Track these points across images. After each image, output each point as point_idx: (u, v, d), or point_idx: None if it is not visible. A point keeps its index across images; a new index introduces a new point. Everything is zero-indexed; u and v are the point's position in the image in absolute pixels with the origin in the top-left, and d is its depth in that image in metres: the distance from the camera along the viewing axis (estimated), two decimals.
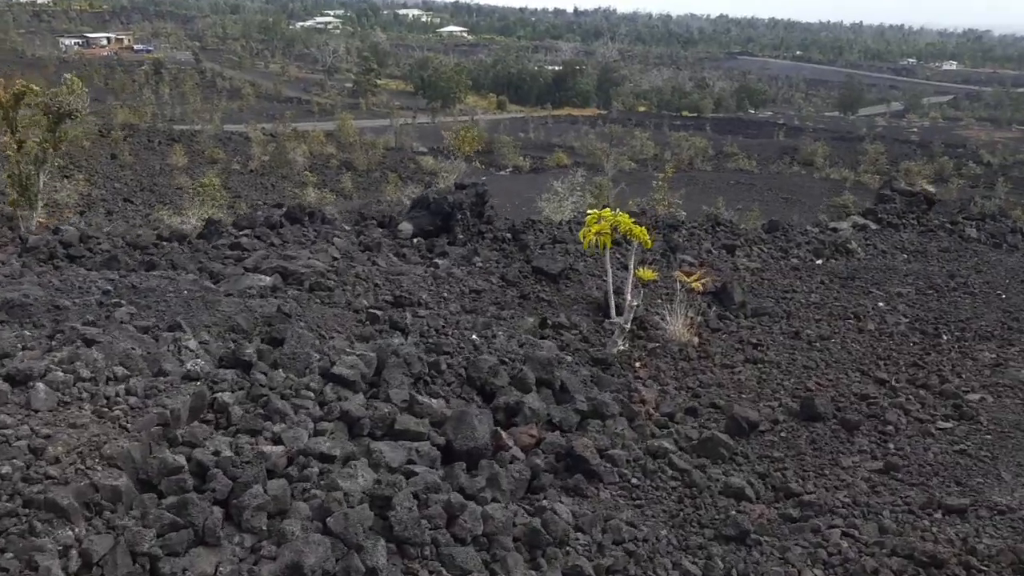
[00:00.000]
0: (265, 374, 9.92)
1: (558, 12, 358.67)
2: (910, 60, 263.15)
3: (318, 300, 14.18)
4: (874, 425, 12.64)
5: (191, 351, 10.09)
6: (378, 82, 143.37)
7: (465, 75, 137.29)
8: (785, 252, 24.74)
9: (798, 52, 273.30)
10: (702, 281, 18.57)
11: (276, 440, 8.56)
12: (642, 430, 12.06)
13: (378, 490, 8.11)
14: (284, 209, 21.33)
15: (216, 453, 7.91)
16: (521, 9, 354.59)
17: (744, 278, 21.21)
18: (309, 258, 16.80)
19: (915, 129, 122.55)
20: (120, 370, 9.01)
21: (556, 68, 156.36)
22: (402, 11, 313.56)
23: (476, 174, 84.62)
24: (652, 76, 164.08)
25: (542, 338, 15.30)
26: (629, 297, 15.37)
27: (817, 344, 16.64)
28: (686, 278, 18.50)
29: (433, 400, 10.28)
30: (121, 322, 11.24)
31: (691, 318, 17.27)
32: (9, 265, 14.60)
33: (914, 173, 66.49)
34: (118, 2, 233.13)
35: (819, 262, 23.74)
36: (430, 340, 12.61)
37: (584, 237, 15.41)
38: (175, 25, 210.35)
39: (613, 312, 15.69)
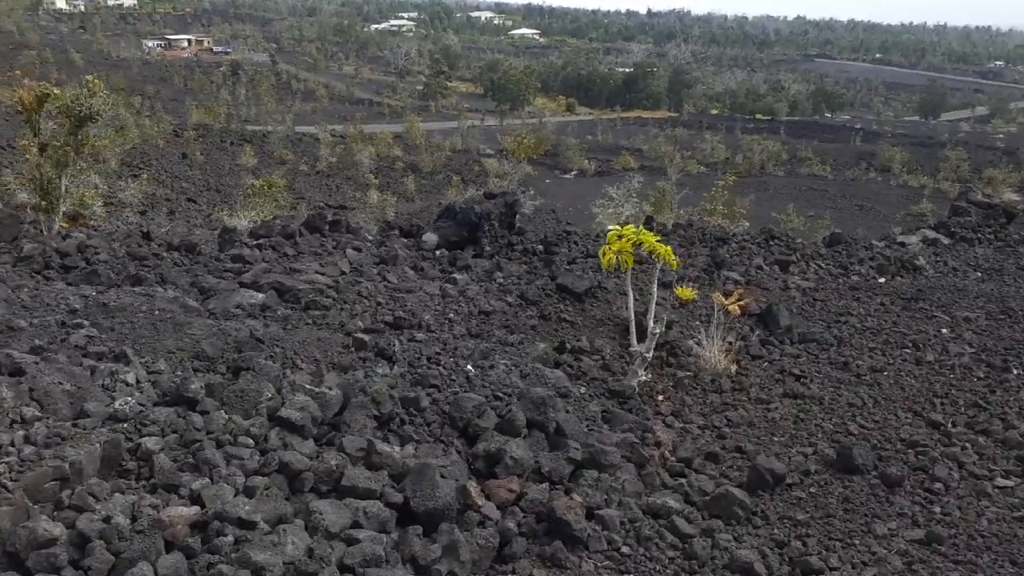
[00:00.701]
0: (207, 414, 8.83)
1: (631, 14, 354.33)
2: (997, 63, 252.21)
3: (310, 320, 13.12)
4: (920, 481, 10.96)
5: (128, 385, 9.07)
6: (448, 84, 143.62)
7: (534, 77, 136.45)
8: (845, 269, 22.87)
9: (878, 55, 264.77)
10: (741, 303, 17.02)
11: (195, 499, 7.45)
12: (651, 480, 10.66)
13: (304, 564, 6.93)
14: (304, 218, 20.42)
15: (107, 519, 6.81)
16: (594, 11, 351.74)
17: (794, 298, 19.49)
18: (316, 272, 15.81)
19: (1001, 135, 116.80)
20: (31, 411, 8.03)
21: (627, 70, 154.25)
22: (475, 13, 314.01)
23: (540, 177, 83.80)
24: (725, 78, 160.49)
25: (557, 365, 14.00)
26: (651, 323, 13.93)
27: (867, 377, 14.91)
28: (723, 299, 16.96)
29: (397, 448, 9.02)
30: (75, 346, 10.35)
31: (730, 344, 15.75)
32: None
33: (998, 181, 62.83)
34: (200, 5, 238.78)
35: (881, 280, 21.80)
36: (418, 371, 11.40)
37: (604, 256, 14.02)
38: (253, 27, 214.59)
39: (634, 340, 14.27)
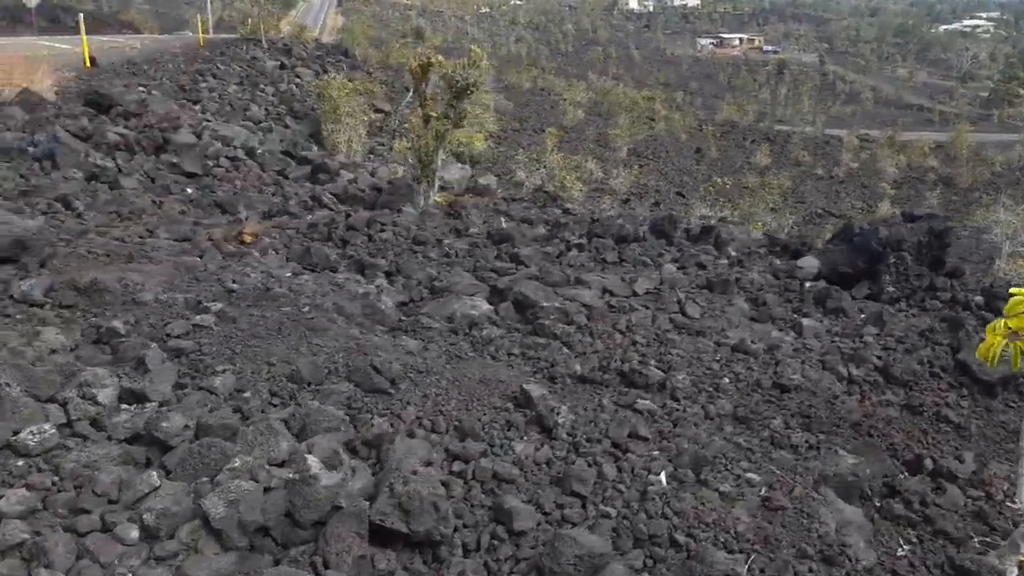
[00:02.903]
0: (141, 469, 5.99)
1: None
2: None
3: (516, 352, 9.59)
4: None
5: (95, 405, 6.63)
6: (1021, 92, 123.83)
7: None
8: None
9: None
10: None
11: None
12: None
13: None
14: (650, 221, 16.60)
15: None
16: None
17: None
18: (601, 287, 12.14)
19: None
20: None
21: None
22: None
23: None
24: None
25: (889, 494, 8.63)
26: None
27: None
28: None
29: None
30: (166, 336, 8.32)
31: None
32: (253, 240, 12.84)
33: None
34: (759, 4, 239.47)
35: None
36: (577, 459, 7.28)
37: (991, 332, 8.00)
38: (809, 27, 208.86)
39: (1022, 496, 8.13)
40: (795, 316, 12.71)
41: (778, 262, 15.22)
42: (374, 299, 10.12)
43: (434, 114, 19.04)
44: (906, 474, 9.38)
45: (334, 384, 7.89)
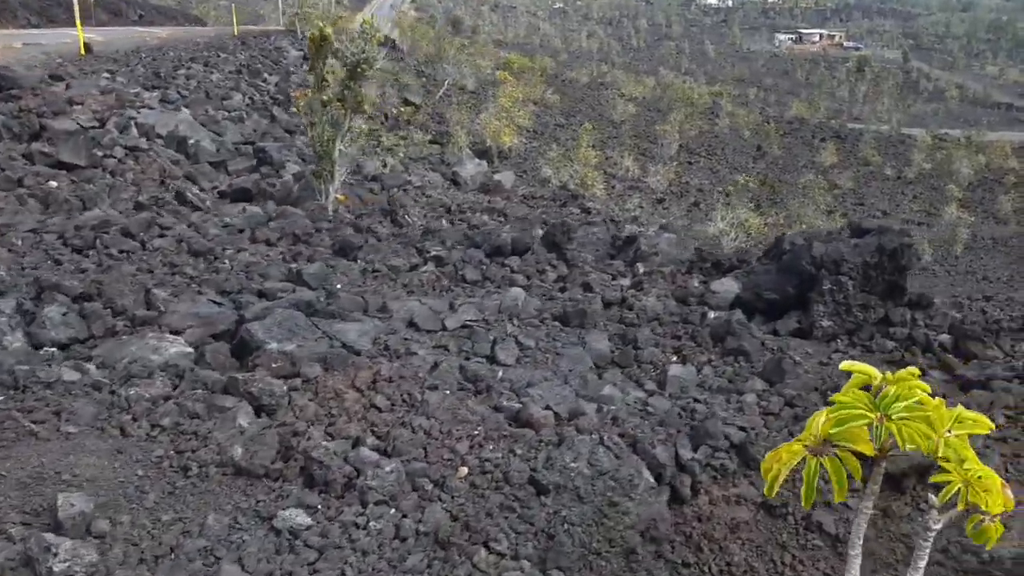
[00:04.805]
0: None
1: None
2: None
3: (168, 424, 6.72)
4: None
5: None
6: None
7: None
8: None
9: None
10: None
11: None
12: None
13: None
14: (543, 230, 13.46)
15: None
16: None
17: None
18: (412, 317, 9.20)
19: None
20: None
21: None
22: None
23: None
24: None
25: None
26: None
27: None
28: None
29: None
30: None
31: None
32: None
33: None
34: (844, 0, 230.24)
35: None
36: None
37: (775, 458, 4.49)
38: (894, 23, 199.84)
39: None
40: (674, 360, 9.54)
41: (695, 284, 11.99)
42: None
43: (325, 97, 16.26)
44: None
45: None
